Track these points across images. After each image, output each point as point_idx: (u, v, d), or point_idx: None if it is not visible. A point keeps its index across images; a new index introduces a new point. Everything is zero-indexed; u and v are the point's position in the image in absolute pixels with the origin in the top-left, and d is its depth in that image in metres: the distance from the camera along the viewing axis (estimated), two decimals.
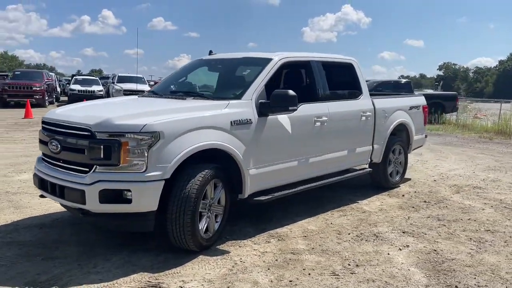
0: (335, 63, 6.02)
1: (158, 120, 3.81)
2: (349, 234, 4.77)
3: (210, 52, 6.02)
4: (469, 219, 5.39)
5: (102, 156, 3.70)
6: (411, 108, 7.03)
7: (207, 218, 4.18)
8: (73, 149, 3.89)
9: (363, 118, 5.92)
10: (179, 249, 4.06)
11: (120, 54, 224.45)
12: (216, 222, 4.35)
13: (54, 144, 4.04)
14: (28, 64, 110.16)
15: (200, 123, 4.03)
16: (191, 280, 3.58)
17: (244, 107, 4.45)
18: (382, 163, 6.53)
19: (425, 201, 6.15)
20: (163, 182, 3.76)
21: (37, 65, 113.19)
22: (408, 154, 7.28)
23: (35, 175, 4.39)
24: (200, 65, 5.87)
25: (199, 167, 4.05)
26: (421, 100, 7.44)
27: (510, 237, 4.80)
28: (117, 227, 4.08)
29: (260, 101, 4.55)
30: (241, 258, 4.03)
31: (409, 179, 7.54)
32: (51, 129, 4.20)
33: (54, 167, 4.12)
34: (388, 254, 4.23)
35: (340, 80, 6.02)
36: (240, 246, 4.33)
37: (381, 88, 19.27)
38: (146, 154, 3.69)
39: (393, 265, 3.96)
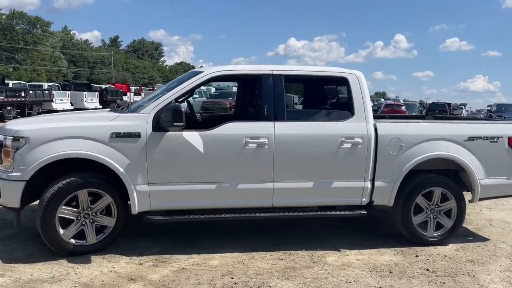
0: (316, 77, 4.97)
1: (29, 127, 4.26)
2: (224, 278, 3.96)
3: (201, 67, 5.97)
4: None
5: None
6: (471, 139, 4.99)
7: (81, 225, 4.31)
8: None
9: (346, 144, 4.65)
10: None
11: (408, 77, 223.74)
12: (103, 233, 4.42)
13: None
14: None
15: (71, 133, 4.23)
16: (6, 275, 3.86)
17: (134, 120, 4.37)
18: (401, 207, 4.90)
19: (427, 270, 4.31)
20: (24, 183, 4.16)
21: None
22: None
23: None
24: None
25: (70, 175, 4.26)
26: (503, 129, 5.15)
27: None
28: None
29: (159, 115, 4.36)
30: (76, 270, 4.01)
31: (486, 239, 5.32)
32: None
33: None
34: None
35: (321, 98, 4.95)
36: (108, 261, 4.26)
37: None
38: (13, 156, 4.18)
39: None
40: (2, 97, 20.20)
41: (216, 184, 4.50)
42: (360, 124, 4.76)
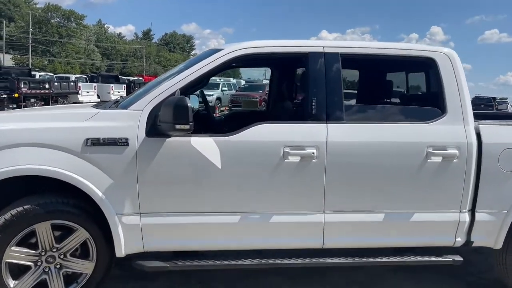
0: (388, 58, 3.38)
1: None
2: None
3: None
4: None
5: None
6: None
7: (42, 273, 2.96)
8: None
9: (435, 158, 3.10)
10: None
11: None
12: (76, 282, 3.06)
13: None
14: None
15: (27, 138, 2.86)
16: None
17: (119, 120, 2.96)
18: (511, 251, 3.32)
19: None
20: None
21: None
22: None
23: None
24: None
25: (24, 200, 2.90)
26: None
27: None
28: None
29: (156, 113, 2.93)
30: None
31: None
32: None
33: None
34: None
35: (389, 88, 3.41)
36: None
37: None
38: None
39: None
40: (25, 89, 19.44)
41: (240, 215, 3.04)
42: (456, 128, 3.18)
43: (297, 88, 4.03)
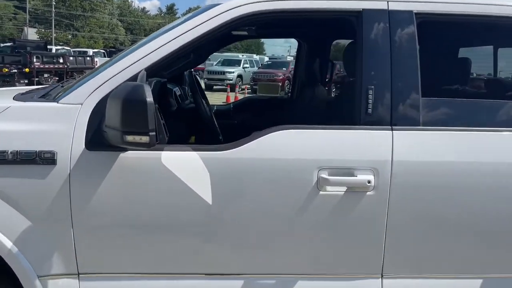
0: (493, 19, 2.06)
1: None
2: None
3: None
4: None
5: None
6: None
7: None
8: None
9: None
10: None
11: None
12: None
13: None
14: None
15: None
16: None
17: (44, 121, 1.78)
18: None
19: None
20: None
21: None
22: None
23: None
24: None
25: None
26: None
27: None
28: None
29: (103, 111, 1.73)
30: None
31: None
32: None
33: None
34: None
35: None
36: None
37: None
38: None
39: None
40: (38, 63, 18.61)
41: (243, 279, 1.85)
42: None
43: (339, 69, 2.77)
